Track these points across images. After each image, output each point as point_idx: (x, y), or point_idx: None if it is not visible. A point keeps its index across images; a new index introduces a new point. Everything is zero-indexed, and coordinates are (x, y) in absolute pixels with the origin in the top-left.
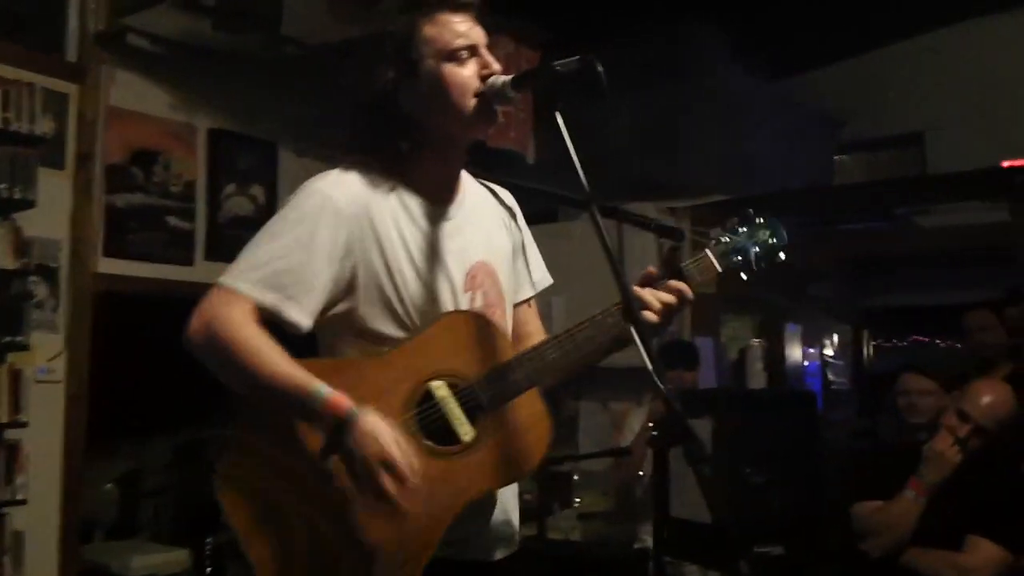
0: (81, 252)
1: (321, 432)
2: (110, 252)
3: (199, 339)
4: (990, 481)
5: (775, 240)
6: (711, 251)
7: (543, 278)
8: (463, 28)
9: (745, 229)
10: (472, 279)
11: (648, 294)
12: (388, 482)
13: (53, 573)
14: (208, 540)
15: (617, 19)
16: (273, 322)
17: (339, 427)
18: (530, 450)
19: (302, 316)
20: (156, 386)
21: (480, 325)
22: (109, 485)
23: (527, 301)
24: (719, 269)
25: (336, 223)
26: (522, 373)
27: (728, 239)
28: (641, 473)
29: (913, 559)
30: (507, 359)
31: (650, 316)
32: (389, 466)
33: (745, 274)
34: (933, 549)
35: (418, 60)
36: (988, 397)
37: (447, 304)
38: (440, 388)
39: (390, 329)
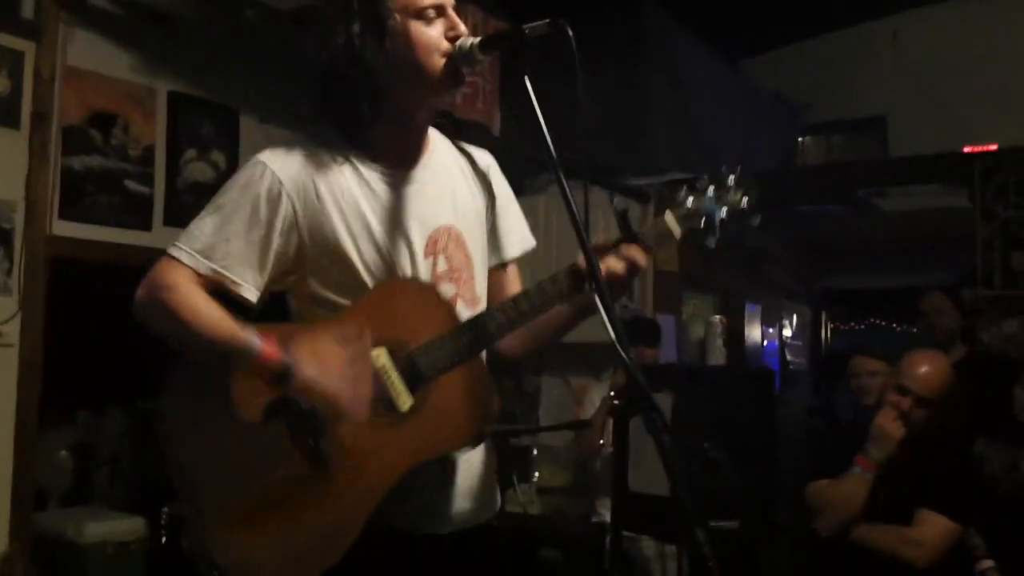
0: (36, 214)
1: (258, 385)
2: (66, 215)
3: (142, 301)
4: (940, 456)
5: (748, 202)
6: (672, 212)
7: (523, 240)
8: None
9: (713, 188)
10: (433, 243)
11: (607, 261)
12: (340, 424)
13: (4, 540)
14: (164, 509)
15: (577, 2)
16: (222, 293)
17: (279, 376)
18: (468, 421)
19: (244, 289)
20: (112, 353)
21: (424, 293)
22: (63, 452)
23: (504, 265)
24: (677, 234)
25: (274, 195)
26: (464, 342)
27: (692, 200)
28: (601, 442)
29: (863, 535)
30: (450, 328)
31: (609, 270)
32: (336, 406)
33: (708, 241)
34: (883, 524)
35: (385, 17)
36: (924, 367)
37: (406, 270)
38: (380, 356)
39: (344, 298)
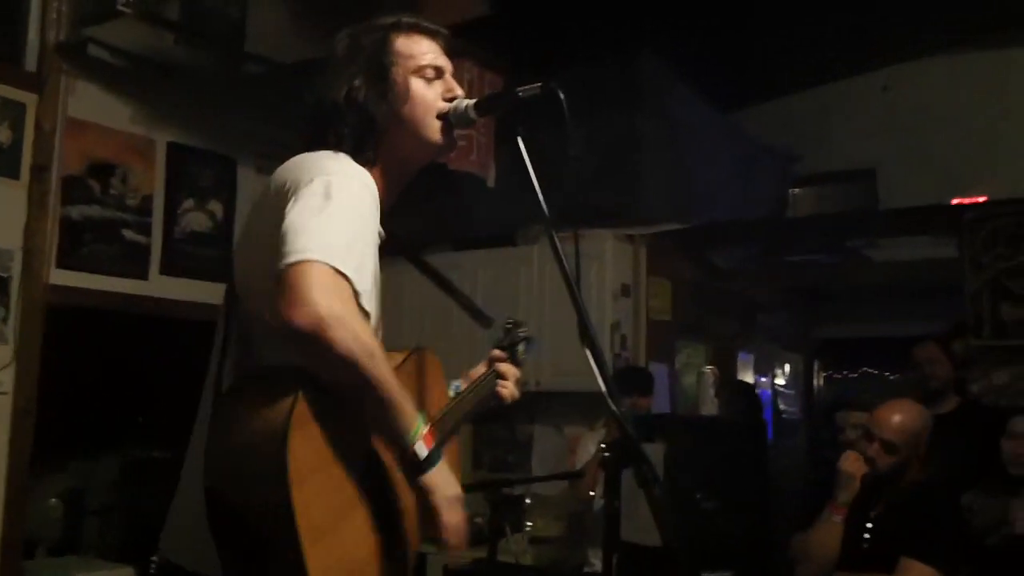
0: (34, 263)
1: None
2: (64, 264)
3: (338, 335)
4: (926, 507)
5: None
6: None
7: None
8: (432, 51)
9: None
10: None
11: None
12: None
13: None
14: (153, 558)
15: (573, 50)
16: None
17: (420, 462)
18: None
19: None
20: (105, 402)
21: (434, 369)
22: (54, 500)
23: None
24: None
25: (375, 223)
26: (445, 427)
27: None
28: (593, 494)
29: None
30: (441, 408)
31: (502, 389)
32: (456, 503)
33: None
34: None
35: (388, 68)
36: (893, 414)
37: (378, 320)
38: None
39: None
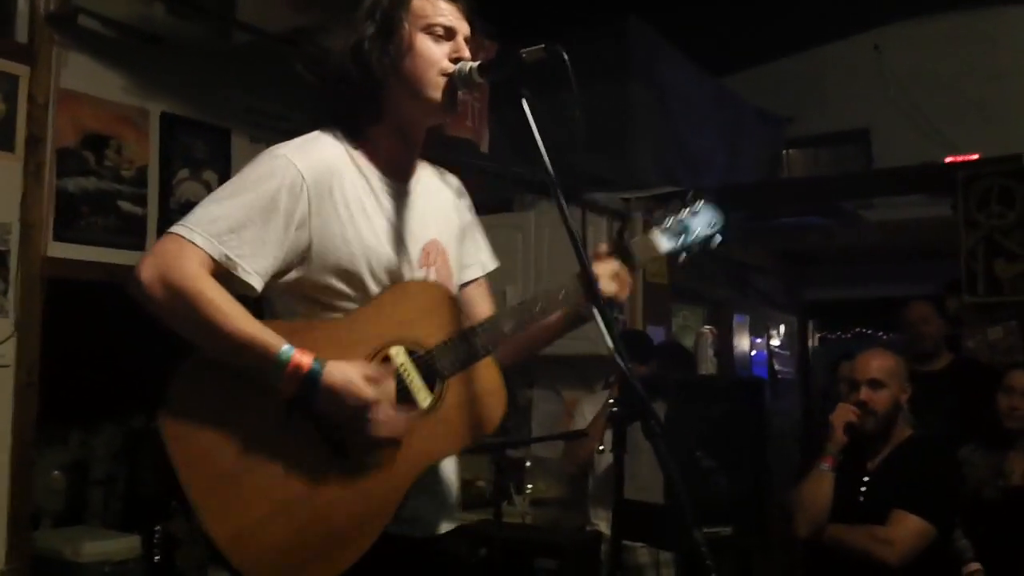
0: (31, 236)
1: (281, 390)
2: (60, 236)
3: (156, 291)
4: (920, 461)
5: (713, 223)
6: (657, 230)
7: (490, 260)
8: (448, 9)
9: (687, 211)
10: (426, 255)
11: (599, 266)
12: (372, 427)
13: (2, 560)
14: (157, 528)
15: (563, 17)
16: (221, 282)
17: (307, 383)
18: (485, 418)
19: (254, 277)
20: (105, 373)
21: (438, 294)
22: (57, 472)
23: (475, 281)
24: (661, 250)
25: (295, 192)
26: (479, 342)
27: (671, 220)
28: (602, 448)
29: (837, 534)
30: (464, 328)
31: (606, 286)
32: (365, 411)
33: (688, 253)
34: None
35: (396, 23)
36: (872, 358)
37: (405, 277)
38: (399, 354)
39: (343, 300)
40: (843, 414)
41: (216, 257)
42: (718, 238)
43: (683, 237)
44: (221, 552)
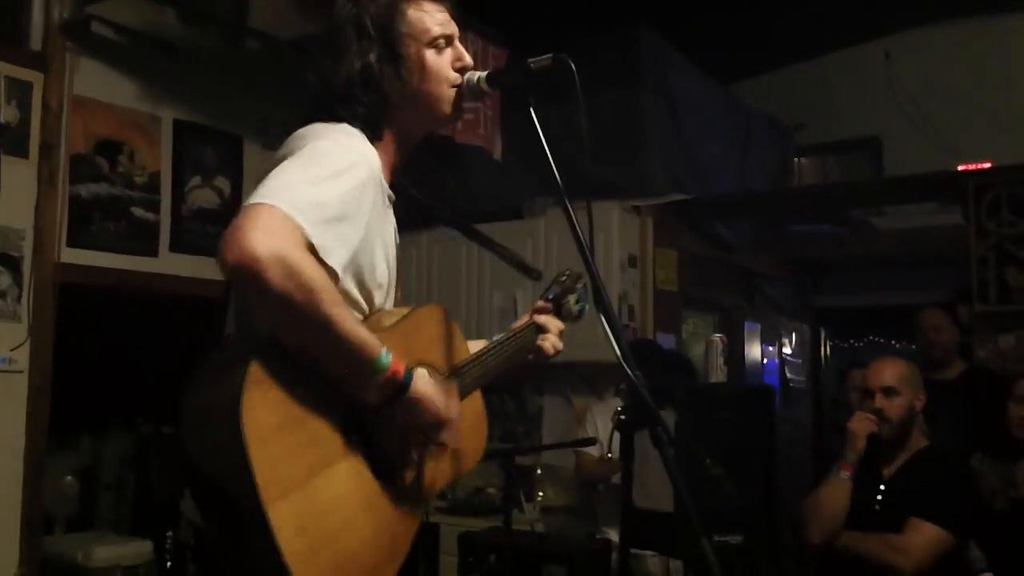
0: (45, 241)
1: (367, 395)
2: (74, 242)
3: (276, 274)
4: (935, 469)
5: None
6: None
7: None
8: (442, 18)
9: (580, 286)
10: (395, 268)
11: (550, 320)
12: (446, 438)
13: (15, 565)
14: (168, 534)
15: (572, 25)
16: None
17: (398, 390)
18: (475, 446)
19: (340, 267)
20: (117, 379)
21: (448, 323)
22: (69, 478)
23: None
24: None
25: (369, 189)
26: (472, 375)
27: (575, 296)
28: (610, 455)
29: (851, 542)
30: (463, 359)
31: (555, 343)
32: (439, 427)
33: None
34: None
35: (399, 44)
36: (882, 367)
37: (390, 287)
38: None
39: (361, 305)
40: (863, 422)
41: (317, 243)
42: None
43: (582, 304)
44: (285, 562)
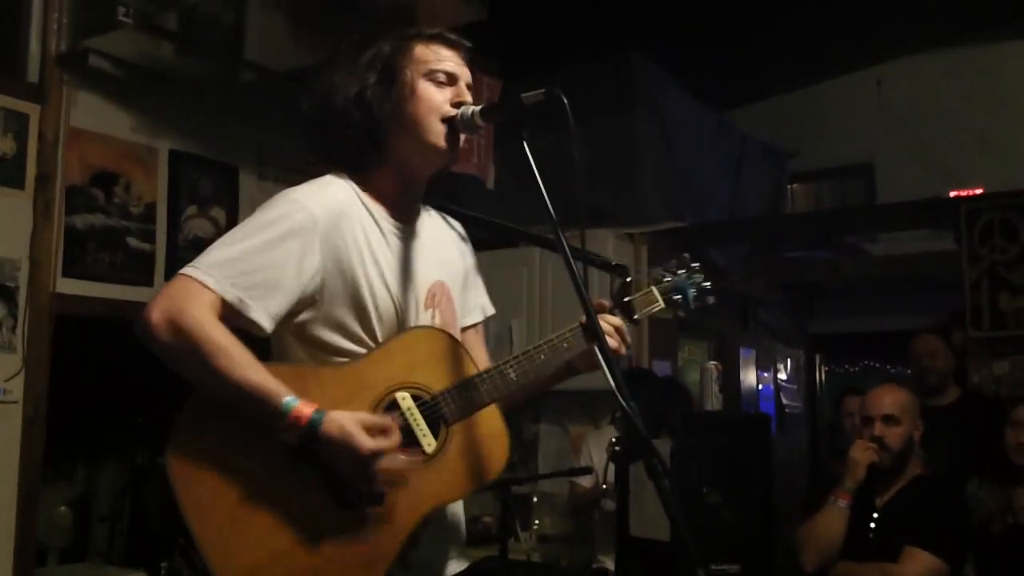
0: (40, 272)
1: (284, 440)
2: (69, 273)
3: (163, 333)
4: (931, 496)
5: (707, 284)
6: (656, 288)
7: (489, 305)
8: (448, 56)
9: (684, 271)
10: (432, 297)
11: (602, 321)
12: (370, 478)
13: None
14: (163, 564)
15: (565, 52)
16: (231, 322)
17: (307, 434)
18: (488, 464)
19: (265, 318)
20: (112, 409)
21: (444, 340)
22: (63, 508)
23: (474, 326)
24: (662, 304)
25: (309, 236)
26: (483, 389)
27: (670, 279)
28: (604, 486)
29: (848, 572)
30: (469, 375)
31: (608, 341)
32: (363, 462)
33: (683, 312)
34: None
35: (399, 70)
36: (883, 394)
37: (411, 320)
38: (405, 399)
39: (348, 343)
40: (865, 451)
41: (228, 299)
42: (710, 300)
43: (680, 295)
44: None
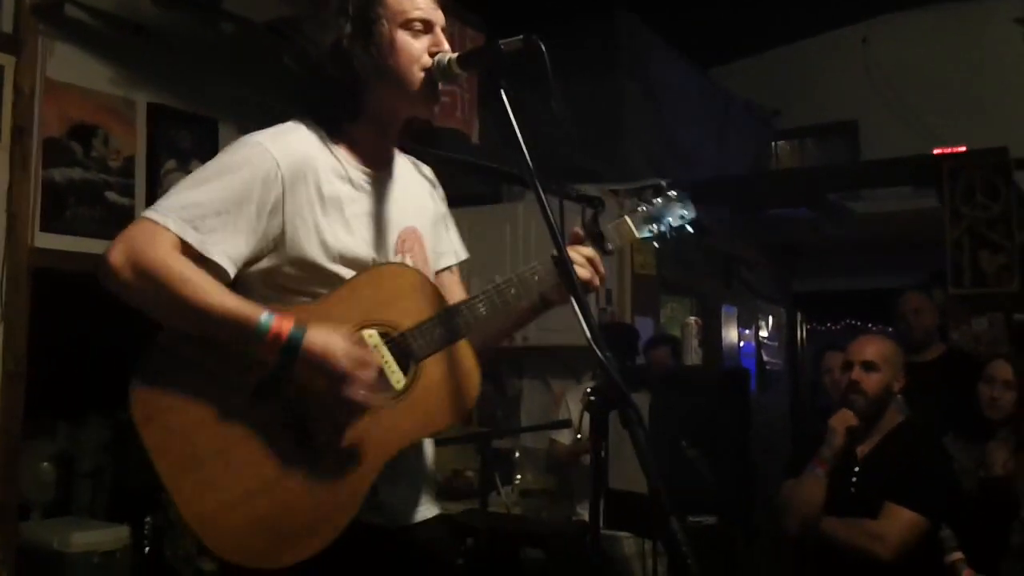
0: (18, 226)
1: (261, 359)
2: (47, 227)
3: (126, 274)
4: (910, 452)
5: (686, 213)
6: (629, 217)
7: (462, 249)
8: (424, 4)
9: (660, 201)
10: (402, 242)
11: (572, 251)
12: (345, 400)
13: None
14: (147, 519)
15: (551, 10)
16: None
17: (288, 350)
18: (459, 400)
19: (226, 260)
20: (91, 363)
21: (414, 278)
22: (45, 464)
23: (448, 268)
24: (636, 235)
25: (270, 179)
26: (453, 325)
27: (645, 208)
28: (580, 436)
29: (829, 529)
30: (439, 311)
31: (580, 272)
32: (342, 382)
33: (658, 243)
34: (850, 518)
35: (374, 21)
36: (868, 343)
37: (387, 258)
38: (372, 336)
39: (314, 287)
40: (844, 418)
41: (188, 240)
42: (690, 228)
43: (656, 224)
44: (193, 530)
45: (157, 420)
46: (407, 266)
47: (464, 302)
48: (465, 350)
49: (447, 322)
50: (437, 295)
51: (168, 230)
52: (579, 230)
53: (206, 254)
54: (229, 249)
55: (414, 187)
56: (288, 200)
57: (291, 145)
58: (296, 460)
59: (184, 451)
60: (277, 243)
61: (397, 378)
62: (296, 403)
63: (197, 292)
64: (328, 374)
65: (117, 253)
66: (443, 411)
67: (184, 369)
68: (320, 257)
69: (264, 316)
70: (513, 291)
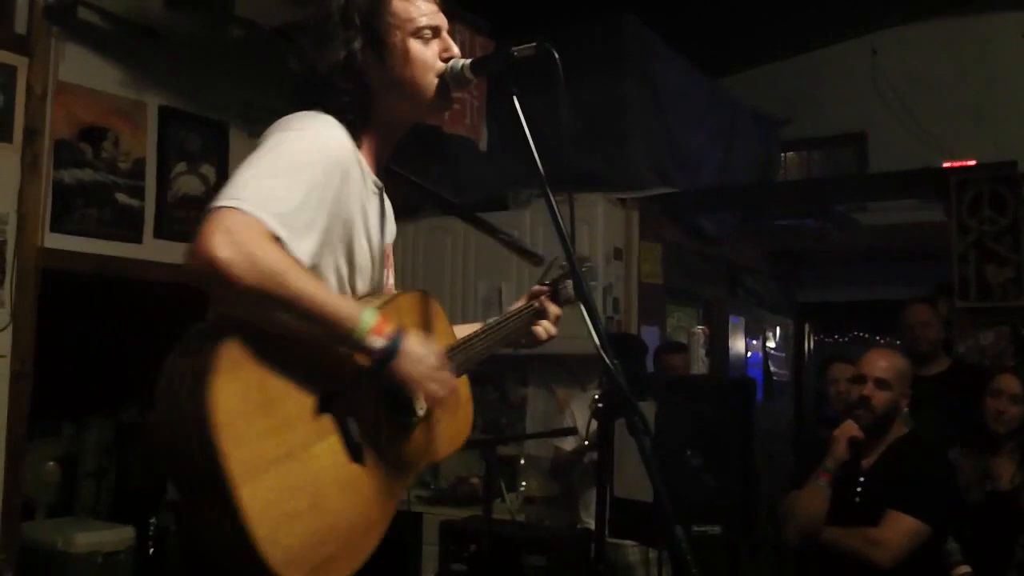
0: (28, 227)
1: (337, 363)
2: (57, 228)
3: (244, 269)
4: (914, 462)
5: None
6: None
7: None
8: (429, 9)
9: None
10: (387, 257)
11: (549, 305)
12: (443, 390)
13: None
14: (151, 520)
15: (558, 15)
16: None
17: (391, 344)
18: (460, 430)
19: (307, 258)
20: (99, 366)
21: (434, 309)
22: (50, 464)
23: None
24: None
25: (334, 173)
26: (459, 360)
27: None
28: (587, 443)
29: (830, 537)
30: (450, 344)
31: (549, 328)
32: (435, 378)
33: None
34: (851, 527)
35: (384, 32)
36: (878, 357)
37: (375, 278)
38: None
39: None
40: (848, 430)
41: (282, 237)
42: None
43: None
44: (247, 534)
45: (238, 423)
46: (424, 295)
47: (465, 340)
48: (463, 383)
49: (456, 357)
50: (445, 324)
51: (263, 223)
52: (542, 286)
53: (293, 252)
54: (308, 246)
55: (387, 200)
56: (336, 200)
57: (342, 145)
58: (350, 476)
59: (257, 457)
60: (323, 240)
61: (421, 404)
62: (356, 418)
63: (306, 284)
64: (428, 364)
65: (226, 247)
66: (455, 435)
67: (262, 372)
68: (345, 259)
69: (368, 311)
70: (502, 332)
